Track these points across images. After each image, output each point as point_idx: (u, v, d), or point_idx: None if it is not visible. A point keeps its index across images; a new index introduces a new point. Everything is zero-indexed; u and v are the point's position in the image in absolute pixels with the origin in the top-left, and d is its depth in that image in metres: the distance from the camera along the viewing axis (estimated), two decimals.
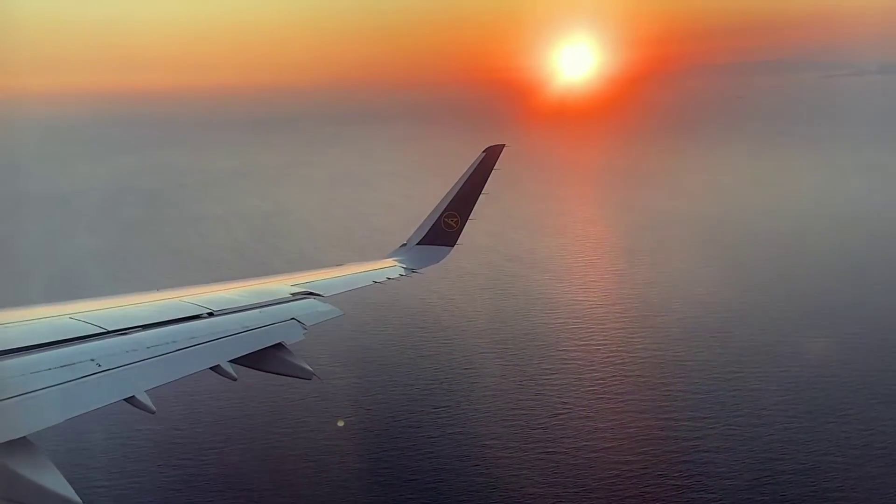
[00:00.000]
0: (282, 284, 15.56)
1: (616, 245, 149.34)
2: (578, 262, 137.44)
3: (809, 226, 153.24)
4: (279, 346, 12.15)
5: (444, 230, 23.16)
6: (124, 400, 8.80)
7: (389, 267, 20.62)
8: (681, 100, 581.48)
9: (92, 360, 9.04)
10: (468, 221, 23.44)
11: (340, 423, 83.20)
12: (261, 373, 11.85)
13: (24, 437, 7.30)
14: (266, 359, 11.84)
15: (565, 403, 79.89)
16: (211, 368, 10.69)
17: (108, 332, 10.08)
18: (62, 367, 8.64)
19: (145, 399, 8.93)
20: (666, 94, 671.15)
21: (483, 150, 24.29)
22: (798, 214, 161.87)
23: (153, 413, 8.85)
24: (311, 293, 15.23)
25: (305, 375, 12.00)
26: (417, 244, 23.23)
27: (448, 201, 23.53)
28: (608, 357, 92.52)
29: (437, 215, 23.47)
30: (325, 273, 17.90)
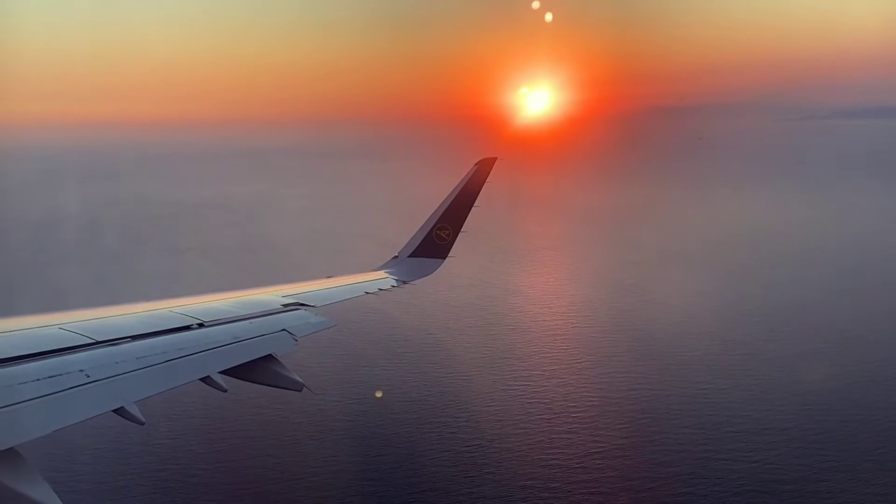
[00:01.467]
0: (273, 295, 15.52)
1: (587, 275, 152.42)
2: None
3: (775, 258, 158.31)
4: (270, 358, 12.12)
5: (435, 242, 23.18)
6: (113, 411, 8.76)
7: (381, 279, 20.62)
8: (644, 140, 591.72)
9: (81, 370, 9.00)
10: (460, 233, 23.48)
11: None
12: (251, 384, 11.82)
13: (12, 448, 7.27)
14: (256, 370, 11.81)
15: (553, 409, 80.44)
16: (201, 379, 10.65)
17: (98, 343, 10.04)
18: (51, 377, 8.60)
19: (134, 410, 8.89)
20: (628, 133, 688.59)
21: (475, 163, 24.38)
22: (773, 252, 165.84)
23: (142, 424, 8.83)
24: (302, 304, 15.21)
25: (296, 387, 11.97)
26: (409, 256, 23.23)
27: (440, 214, 23.56)
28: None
29: (429, 227, 23.50)
30: (316, 284, 17.87)
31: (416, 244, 23.38)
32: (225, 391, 10.99)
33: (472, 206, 23.44)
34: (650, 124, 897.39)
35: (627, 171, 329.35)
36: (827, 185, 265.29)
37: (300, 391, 11.89)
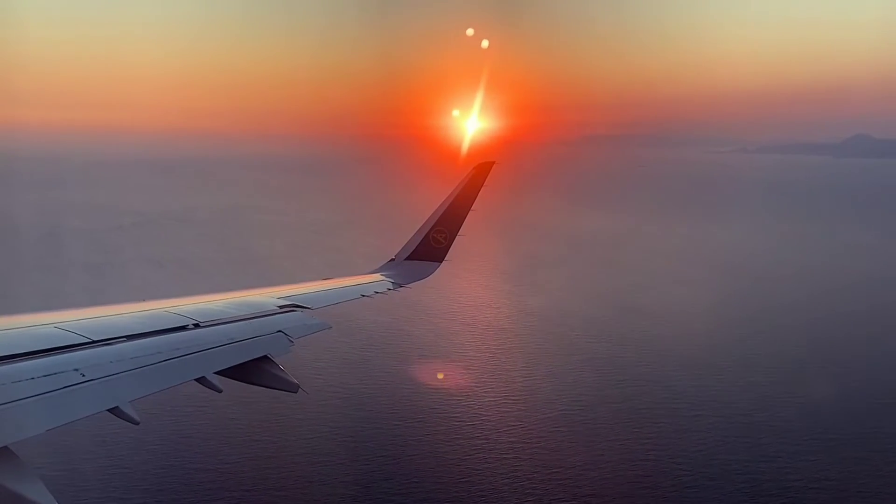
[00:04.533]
0: (269, 297, 15.54)
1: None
2: None
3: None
4: (265, 359, 12.13)
5: (432, 246, 23.20)
6: (108, 410, 8.76)
7: (377, 281, 20.63)
8: (587, 166, 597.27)
9: (76, 369, 9.01)
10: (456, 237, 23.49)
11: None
12: (246, 385, 11.83)
13: (7, 447, 7.27)
14: (252, 371, 11.82)
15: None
16: (196, 380, 10.66)
17: (94, 343, 10.04)
18: (46, 376, 8.60)
19: (129, 410, 8.90)
20: (567, 159, 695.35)
21: (473, 167, 24.40)
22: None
23: (137, 424, 8.83)
24: (298, 306, 15.21)
25: (291, 388, 11.99)
26: (405, 259, 23.25)
27: (437, 217, 23.57)
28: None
29: (426, 231, 23.51)
30: (312, 286, 17.88)
31: (413, 247, 23.41)
32: (220, 392, 11.00)
33: (468, 210, 23.47)
34: (587, 151, 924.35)
35: (580, 196, 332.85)
36: (768, 214, 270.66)
37: (296, 392, 11.90)
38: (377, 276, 21.27)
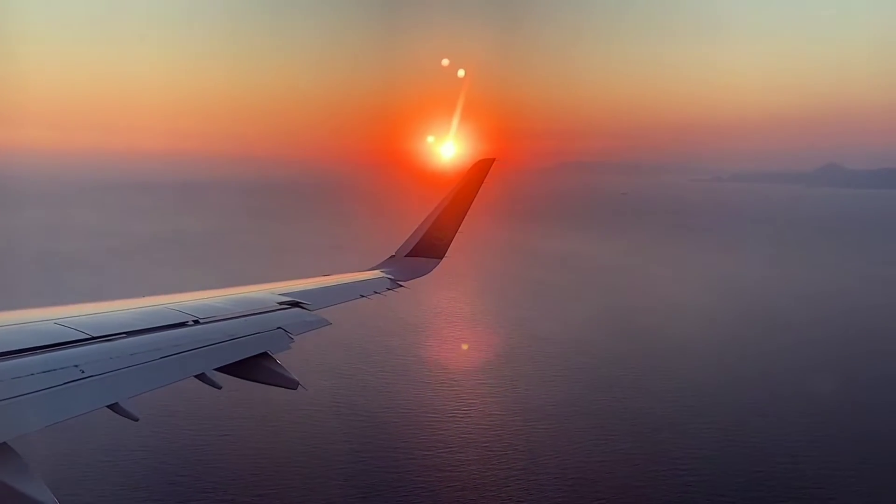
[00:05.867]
0: (268, 293, 15.50)
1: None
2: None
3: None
4: (265, 356, 12.11)
5: (432, 243, 23.15)
6: (108, 407, 8.74)
7: (377, 278, 20.60)
8: (566, 193, 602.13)
9: (76, 366, 8.96)
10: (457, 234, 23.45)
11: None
12: (246, 382, 11.83)
13: (6, 444, 7.26)
14: (251, 368, 11.79)
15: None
16: (195, 376, 10.64)
17: (93, 339, 9.99)
18: (45, 372, 8.56)
19: (129, 406, 8.87)
20: (547, 185, 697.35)
21: (473, 163, 24.33)
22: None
23: (137, 420, 8.80)
24: (297, 303, 15.20)
25: (290, 385, 11.96)
26: (406, 256, 23.21)
27: (437, 214, 23.51)
28: None
29: (426, 228, 23.45)
30: (312, 283, 17.85)
31: (413, 244, 23.35)
32: (220, 388, 10.99)
33: (469, 206, 23.40)
34: (565, 178, 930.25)
35: (573, 223, 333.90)
36: (759, 243, 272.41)
37: (295, 389, 11.89)
38: (377, 273, 21.24)
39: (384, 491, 64.98)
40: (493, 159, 24.13)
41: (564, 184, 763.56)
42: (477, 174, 23.77)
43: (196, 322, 12.17)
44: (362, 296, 18.64)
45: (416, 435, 77.78)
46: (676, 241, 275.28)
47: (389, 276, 20.92)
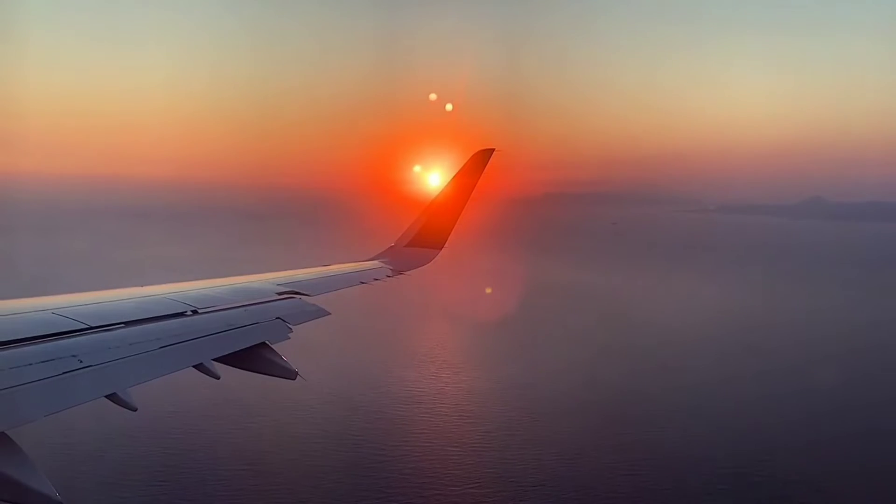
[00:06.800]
0: (267, 283, 15.46)
1: None
2: None
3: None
4: (264, 346, 12.08)
5: (431, 233, 23.10)
6: (106, 397, 8.70)
7: (377, 268, 20.57)
8: (556, 223, 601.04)
9: (74, 356, 8.91)
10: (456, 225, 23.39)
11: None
12: (244, 372, 11.80)
13: (4, 434, 7.22)
14: (250, 358, 11.76)
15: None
16: (194, 367, 10.61)
17: (92, 329, 9.94)
18: (43, 362, 8.51)
19: (127, 396, 8.82)
20: (537, 215, 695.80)
21: (473, 154, 24.20)
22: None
23: (135, 410, 8.76)
24: (297, 293, 15.16)
25: (289, 375, 11.93)
26: (405, 247, 23.17)
27: (436, 205, 23.45)
28: None
29: (425, 218, 23.40)
30: (311, 272, 17.82)
31: (413, 234, 23.32)
32: (218, 378, 10.96)
33: (468, 197, 23.33)
34: (552, 208, 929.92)
35: (567, 253, 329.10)
36: (752, 274, 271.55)
37: (294, 379, 11.86)
38: (376, 263, 21.23)
39: (381, 479, 65.23)
40: (493, 149, 23.99)
41: (553, 214, 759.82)
42: (476, 165, 23.65)
43: (195, 312, 12.15)
44: (362, 282, 18.63)
45: (415, 424, 78.06)
46: (691, 273, 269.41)
47: (389, 267, 20.90)
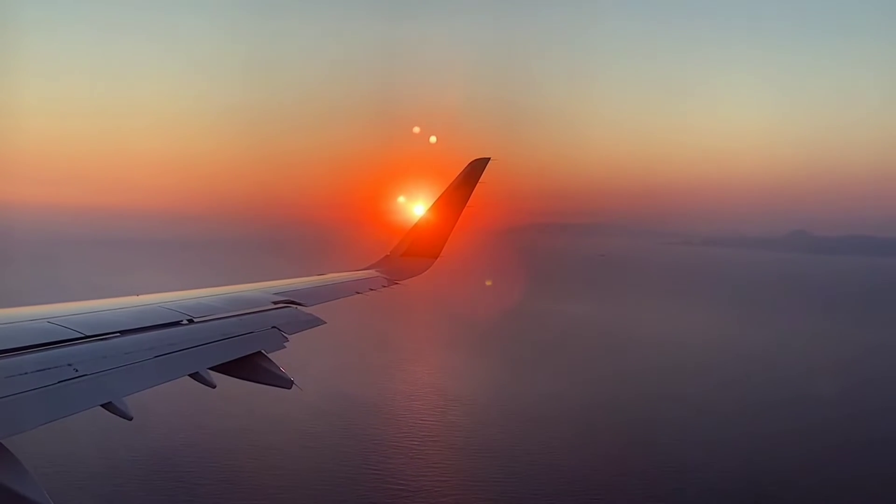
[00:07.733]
0: (263, 292, 15.47)
1: None
2: None
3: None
4: (259, 355, 12.09)
5: (426, 243, 23.12)
6: (102, 406, 8.71)
7: (371, 277, 20.60)
8: (542, 254, 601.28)
9: (69, 364, 8.91)
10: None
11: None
12: (240, 381, 11.81)
13: (0, 443, 7.23)
14: (246, 367, 11.75)
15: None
16: (190, 375, 10.61)
17: (87, 337, 9.94)
18: (38, 371, 8.50)
19: (123, 405, 8.83)
20: (523, 246, 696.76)
21: (468, 163, 24.26)
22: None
23: (131, 419, 8.75)
24: (292, 302, 15.18)
25: (285, 384, 11.94)
26: (400, 256, 23.19)
27: (431, 214, 23.49)
28: None
29: (420, 227, 23.43)
30: (306, 281, 17.84)
31: (408, 244, 23.33)
32: (214, 387, 10.97)
33: (463, 207, 23.34)
34: (538, 238, 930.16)
35: (560, 285, 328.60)
36: (745, 309, 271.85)
37: (289, 388, 11.88)
38: (372, 272, 21.24)
39: (373, 485, 65.09)
40: (489, 158, 24.05)
41: (539, 245, 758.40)
42: (471, 174, 23.70)
43: (190, 321, 12.16)
44: (357, 292, 18.63)
45: (408, 432, 77.91)
46: (678, 307, 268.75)
47: (384, 276, 20.93)
